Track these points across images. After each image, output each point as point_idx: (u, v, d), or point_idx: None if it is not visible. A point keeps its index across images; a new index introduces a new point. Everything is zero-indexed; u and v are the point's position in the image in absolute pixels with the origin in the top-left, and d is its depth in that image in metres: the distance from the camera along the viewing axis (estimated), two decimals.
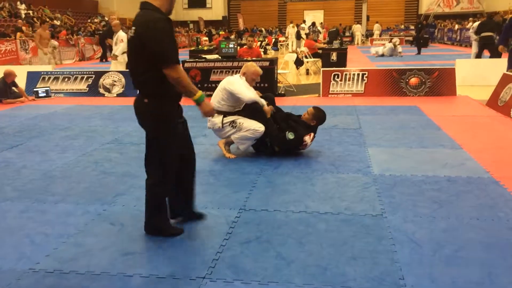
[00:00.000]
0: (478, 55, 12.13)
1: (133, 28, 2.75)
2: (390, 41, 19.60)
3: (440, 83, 8.55)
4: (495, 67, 9.41)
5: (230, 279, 2.55)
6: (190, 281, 2.53)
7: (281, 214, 3.38)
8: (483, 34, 12.00)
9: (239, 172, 4.32)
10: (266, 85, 8.83)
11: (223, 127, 4.70)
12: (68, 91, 9.73)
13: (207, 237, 3.06)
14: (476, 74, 9.69)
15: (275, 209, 3.48)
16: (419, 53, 19.36)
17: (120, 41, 9.43)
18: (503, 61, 9.59)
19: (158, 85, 2.76)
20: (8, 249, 2.97)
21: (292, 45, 24.18)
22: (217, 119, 4.68)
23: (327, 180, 4.10)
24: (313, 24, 25.35)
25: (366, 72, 8.86)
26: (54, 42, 17.56)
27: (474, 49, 12.71)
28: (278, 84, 9.55)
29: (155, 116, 2.84)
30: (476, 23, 13.26)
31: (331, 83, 8.93)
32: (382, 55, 18.64)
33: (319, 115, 4.80)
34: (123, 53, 9.33)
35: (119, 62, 9.72)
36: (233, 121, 4.68)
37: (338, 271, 2.58)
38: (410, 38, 25.77)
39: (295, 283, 2.48)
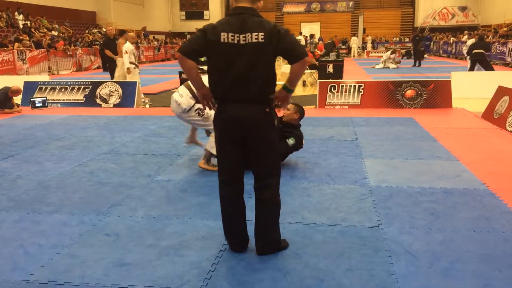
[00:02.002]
0: (471, 70, 13.05)
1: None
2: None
3: (436, 95, 8.60)
4: (490, 79, 9.49)
5: None
6: None
7: None
8: (474, 51, 13.38)
9: None
10: None
11: (189, 109, 4.56)
12: (65, 101, 9.73)
13: (203, 248, 3.04)
14: (471, 86, 9.76)
15: None
16: (416, 65, 19.46)
17: (125, 53, 9.40)
18: (497, 74, 9.68)
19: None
20: (2, 260, 2.94)
21: None
22: (185, 101, 4.57)
23: (323, 191, 4.10)
24: (312, 36, 25.51)
25: (363, 84, 8.90)
26: None
27: (468, 64, 14.14)
28: None
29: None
30: (470, 41, 15.13)
31: (328, 94, 8.96)
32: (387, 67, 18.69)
33: (299, 108, 4.90)
34: (131, 63, 9.41)
35: (134, 74, 9.62)
36: (201, 109, 4.56)
37: (335, 283, 2.57)
38: (403, 52, 25.97)
39: None
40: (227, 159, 2.83)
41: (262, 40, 2.60)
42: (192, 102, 4.55)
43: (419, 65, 19.43)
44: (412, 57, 21.01)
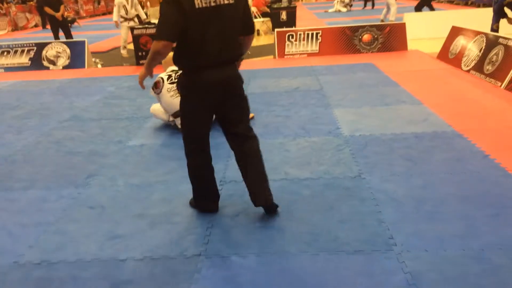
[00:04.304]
0: (419, 10, 12.57)
1: None
2: None
3: (391, 38, 8.71)
4: (442, 19, 9.70)
5: (225, 254, 2.56)
6: (187, 260, 2.52)
7: None
8: None
9: (212, 144, 4.24)
10: None
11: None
12: (8, 65, 9.09)
13: (193, 213, 3.03)
14: (424, 27, 9.93)
15: None
16: (366, 6, 19.27)
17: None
18: (449, 13, 9.89)
19: None
20: None
21: None
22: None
23: (300, 145, 4.14)
24: None
25: (320, 31, 8.86)
26: None
27: None
28: None
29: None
30: None
31: (286, 43, 8.88)
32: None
33: None
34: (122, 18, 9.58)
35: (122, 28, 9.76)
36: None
37: (330, 237, 2.65)
38: None
39: (291, 252, 2.53)
40: (203, 126, 2.82)
41: (233, 1, 2.57)
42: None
43: (373, 6, 19.21)
44: None
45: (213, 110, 2.79)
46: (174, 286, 2.32)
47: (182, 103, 2.80)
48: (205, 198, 3.02)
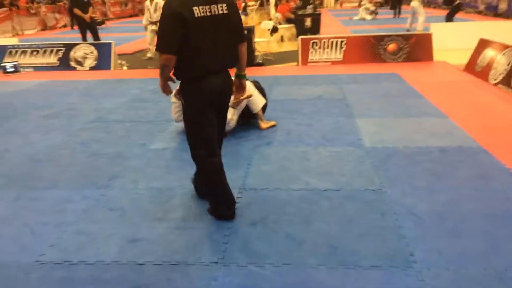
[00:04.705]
0: (449, 20, 12.42)
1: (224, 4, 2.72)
2: (359, 6, 19.44)
3: (417, 48, 8.61)
4: (470, 30, 9.53)
5: (243, 262, 2.56)
6: (204, 267, 2.53)
7: (282, 192, 3.39)
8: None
9: (232, 151, 4.29)
10: None
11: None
12: (37, 65, 9.32)
13: (212, 220, 3.04)
14: (451, 38, 9.78)
15: (276, 187, 3.48)
16: (396, 14, 18.87)
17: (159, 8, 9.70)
18: (477, 25, 9.73)
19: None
20: (8, 240, 2.89)
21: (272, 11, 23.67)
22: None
23: (322, 154, 4.12)
24: None
25: (345, 39, 8.82)
26: None
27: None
28: (256, 53, 9.42)
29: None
30: None
31: (310, 51, 8.86)
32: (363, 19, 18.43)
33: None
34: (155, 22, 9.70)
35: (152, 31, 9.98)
36: None
37: (349, 250, 2.63)
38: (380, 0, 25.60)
39: (309, 264, 2.52)
40: (211, 131, 2.87)
41: (227, 11, 2.72)
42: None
43: (399, 14, 18.84)
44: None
45: (214, 112, 2.87)
46: None
47: (184, 110, 2.87)
48: (220, 204, 3.04)
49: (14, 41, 10.74)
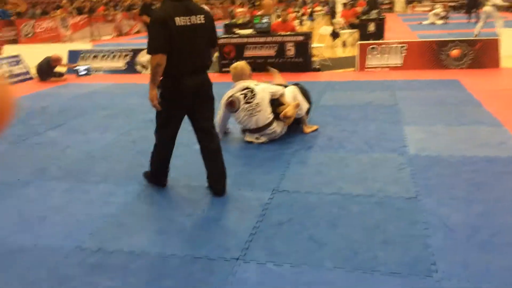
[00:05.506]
0: None
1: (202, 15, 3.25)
2: (431, 10, 18.78)
3: (483, 54, 8.21)
4: None
5: (262, 260, 2.63)
6: (225, 262, 2.63)
7: (313, 196, 3.42)
8: None
9: (272, 153, 4.37)
10: (300, 59, 8.75)
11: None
12: (107, 68, 9.97)
13: (241, 218, 3.14)
14: None
15: (308, 190, 3.52)
16: (471, 19, 17.89)
17: None
18: None
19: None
20: (56, 227, 3.16)
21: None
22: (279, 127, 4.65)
23: (361, 161, 4.09)
24: None
25: (405, 44, 8.60)
26: None
27: None
28: (313, 58, 9.43)
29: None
30: None
31: (368, 56, 8.73)
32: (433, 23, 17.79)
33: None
34: None
35: None
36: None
37: (369, 255, 2.62)
38: (454, 4, 24.54)
39: (326, 266, 2.54)
40: (174, 122, 3.41)
41: (204, 21, 3.22)
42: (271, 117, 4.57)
43: (477, 18, 17.59)
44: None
45: (186, 109, 3.38)
46: (208, 285, 2.44)
47: (161, 102, 3.28)
48: (162, 174, 3.65)
49: (88, 46, 11.55)
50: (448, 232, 2.83)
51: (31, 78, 9.45)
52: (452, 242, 2.72)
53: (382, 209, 3.16)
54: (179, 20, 3.08)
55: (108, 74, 9.80)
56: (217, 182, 3.50)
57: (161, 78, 3.23)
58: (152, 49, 3.10)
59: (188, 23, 3.12)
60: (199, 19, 3.19)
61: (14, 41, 15.14)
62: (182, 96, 3.28)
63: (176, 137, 3.51)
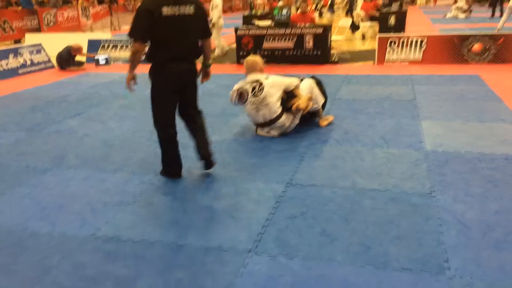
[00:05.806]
0: None
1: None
2: (455, 3, 18.42)
3: (505, 49, 8.03)
4: None
5: (274, 253, 2.65)
6: (237, 254, 2.66)
7: (327, 189, 3.42)
8: None
9: (287, 145, 4.37)
10: (318, 52, 8.69)
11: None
12: (125, 58, 10.04)
13: (254, 211, 3.16)
14: None
15: (322, 184, 3.52)
16: (494, 15, 17.47)
17: (215, 7, 9.72)
18: None
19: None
20: (72, 215, 3.22)
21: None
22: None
23: (376, 155, 4.06)
24: None
25: (425, 39, 8.46)
26: None
27: None
28: (332, 51, 9.36)
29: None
30: None
31: (387, 50, 8.62)
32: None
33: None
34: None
35: (217, 28, 9.89)
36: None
37: (381, 251, 2.61)
38: None
39: (338, 261, 2.54)
40: (170, 106, 3.55)
41: (193, 12, 3.32)
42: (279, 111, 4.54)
43: (501, 11, 17.10)
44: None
45: (176, 93, 3.51)
46: (220, 276, 2.47)
47: (151, 89, 3.49)
48: (174, 166, 3.74)
49: (108, 36, 11.66)
50: (462, 229, 2.80)
51: (52, 67, 9.60)
52: (466, 239, 2.69)
53: (396, 205, 3.14)
54: (167, 10, 3.19)
55: (127, 64, 9.85)
56: (203, 148, 3.69)
57: (150, 65, 3.43)
58: (131, 34, 3.25)
59: (177, 13, 3.23)
60: (189, 9, 3.30)
61: (37, 29, 15.37)
62: (169, 81, 3.42)
63: (175, 124, 3.61)
